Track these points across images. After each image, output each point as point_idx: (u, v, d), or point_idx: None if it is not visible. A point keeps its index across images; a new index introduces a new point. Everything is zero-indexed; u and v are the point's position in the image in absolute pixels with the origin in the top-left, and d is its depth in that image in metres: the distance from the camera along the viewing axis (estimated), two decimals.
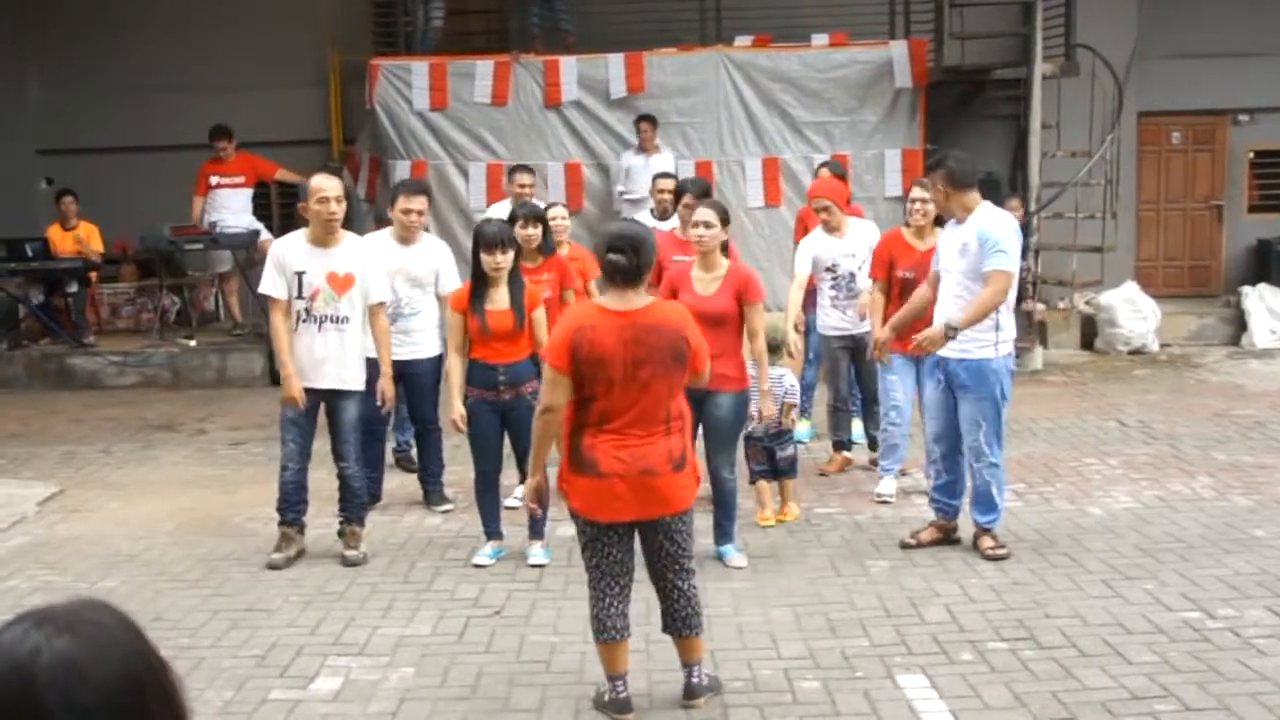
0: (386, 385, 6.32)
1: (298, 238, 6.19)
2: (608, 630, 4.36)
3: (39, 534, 6.92)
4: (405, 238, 6.98)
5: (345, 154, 13.42)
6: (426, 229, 7.48)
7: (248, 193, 12.30)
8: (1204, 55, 13.16)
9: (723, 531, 6.16)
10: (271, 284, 6.09)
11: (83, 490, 7.85)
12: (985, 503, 6.08)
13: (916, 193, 7.20)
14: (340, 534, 6.32)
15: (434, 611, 5.51)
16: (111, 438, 9.39)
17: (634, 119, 11.71)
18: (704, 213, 5.94)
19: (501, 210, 8.52)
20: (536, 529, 6.16)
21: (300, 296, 6.05)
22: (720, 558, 6.09)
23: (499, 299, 6.01)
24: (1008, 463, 6.38)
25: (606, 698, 4.43)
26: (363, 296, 6.13)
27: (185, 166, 12.37)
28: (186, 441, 9.23)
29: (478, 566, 6.10)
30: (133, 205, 12.94)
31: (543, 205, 7.86)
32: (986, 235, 5.84)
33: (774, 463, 6.78)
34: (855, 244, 7.59)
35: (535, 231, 6.87)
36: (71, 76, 14.06)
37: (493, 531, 6.25)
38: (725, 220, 5.94)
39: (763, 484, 6.81)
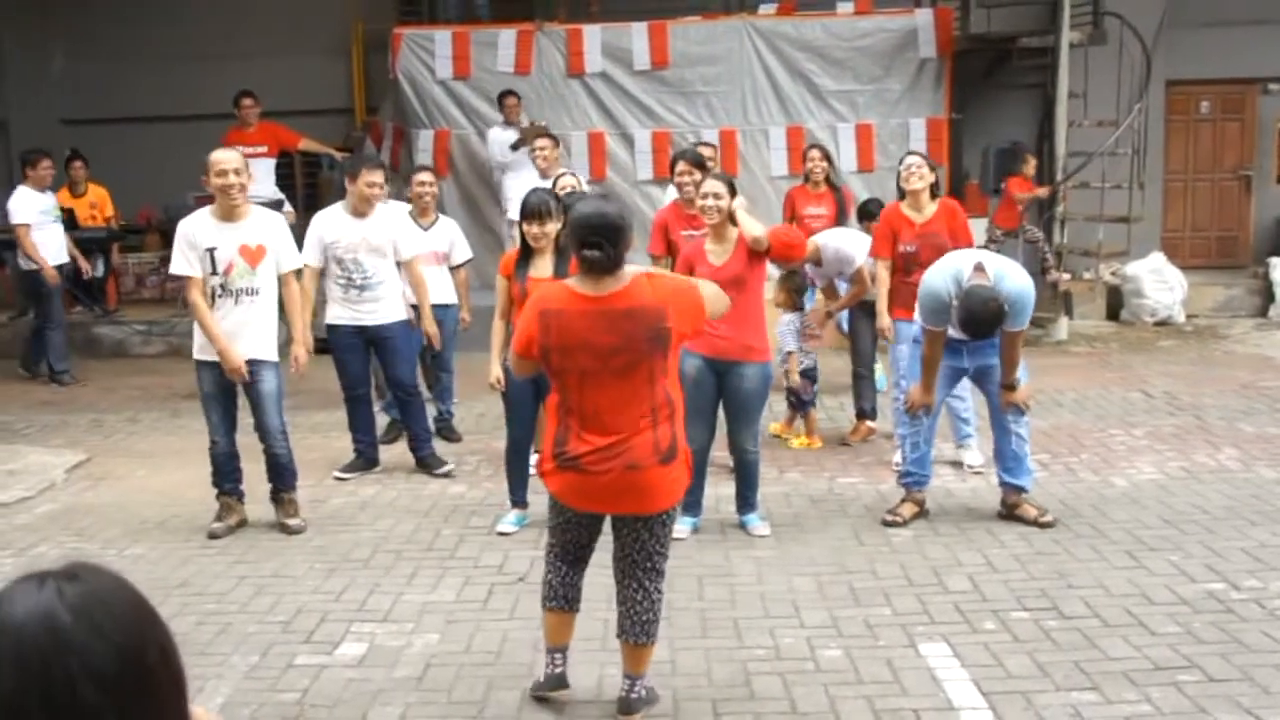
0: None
1: (204, 215, 6.13)
2: (556, 597, 4.21)
3: (67, 501, 7.00)
4: (363, 210, 7.03)
5: (368, 123, 13.43)
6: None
7: (270, 163, 12.27)
8: (1233, 24, 13.00)
9: (745, 501, 6.17)
10: (184, 263, 6.03)
11: (110, 458, 7.92)
12: (1019, 464, 6.13)
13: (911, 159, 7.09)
14: (276, 502, 6.37)
15: (458, 578, 5.54)
16: (139, 406, 9.47)
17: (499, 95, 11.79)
18: (713, 184, 5.88)
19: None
20: None
21: (215, 273, 6.01)
22: (743, 526, 6.11)
23: (543, 266, 5.98)
24: (1033, 433, 6.38)
25: (543, 676, 4.26)
26: (275, 266, 6.15)
27: (209, 136, 12.27)
28: None
29: (501, 534, 6.13)
30: (157, 174, 13.00)
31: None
32: (1024, 299, 5.75)
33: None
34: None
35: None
36: (96, 46, 14.08)
37: (519, 499, 6.28)
38: (733, 190, 5.88)
39: (813, 413, 7.74)
